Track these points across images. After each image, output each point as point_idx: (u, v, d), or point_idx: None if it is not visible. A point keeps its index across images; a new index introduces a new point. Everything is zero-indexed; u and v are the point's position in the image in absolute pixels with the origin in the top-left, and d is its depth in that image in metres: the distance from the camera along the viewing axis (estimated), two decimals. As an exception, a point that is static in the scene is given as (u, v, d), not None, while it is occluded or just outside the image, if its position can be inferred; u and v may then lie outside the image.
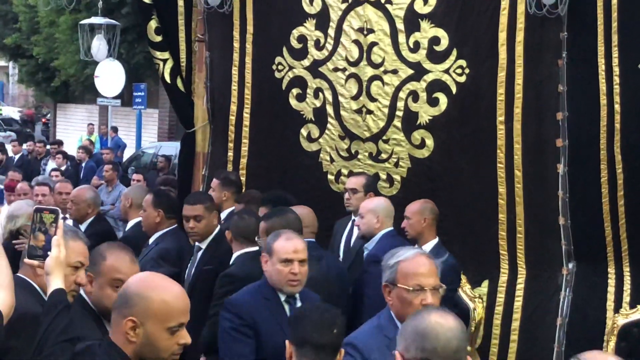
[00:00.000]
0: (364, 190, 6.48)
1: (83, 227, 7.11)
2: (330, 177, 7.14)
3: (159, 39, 7.87)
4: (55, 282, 3.29)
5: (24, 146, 19.36)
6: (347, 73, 7.02)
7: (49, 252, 3.36)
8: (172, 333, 2.99)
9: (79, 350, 3.10)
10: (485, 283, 6.59)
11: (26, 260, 3.46)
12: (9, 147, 19.86)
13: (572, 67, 6.15)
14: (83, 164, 16.67)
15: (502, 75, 6.41)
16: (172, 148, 18.27)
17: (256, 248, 5.40)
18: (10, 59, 32.84)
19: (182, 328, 3.03)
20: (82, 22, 10.31)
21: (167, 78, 7.88)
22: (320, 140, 7.20)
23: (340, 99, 7.06)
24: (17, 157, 17.91)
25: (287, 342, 3.58)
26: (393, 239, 5.87)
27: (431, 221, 6.15)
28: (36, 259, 3.44)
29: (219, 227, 6.20)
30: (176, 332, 3.00)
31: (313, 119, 7.22)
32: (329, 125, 7.14)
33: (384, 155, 6.91)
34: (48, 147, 18.89)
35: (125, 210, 7.19)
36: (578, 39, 6.14)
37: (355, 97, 6.99)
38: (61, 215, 3.51)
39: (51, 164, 16.90)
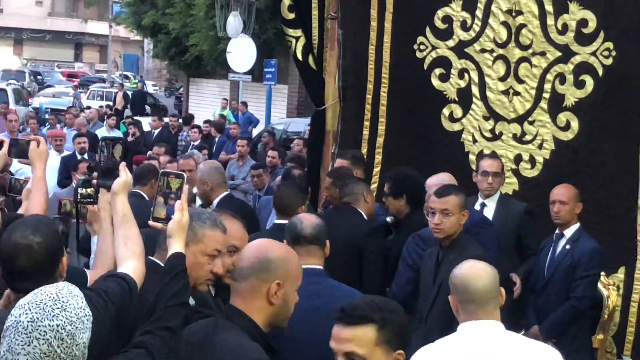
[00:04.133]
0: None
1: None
2: (472, 157, 7.17)
3: (292, 16, 7.95)
4: (176, 246, 3.28)
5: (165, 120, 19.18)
6: (494, 54, 7.03)
7: (172, 216, 3.34)
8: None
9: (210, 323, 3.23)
10: (622, 270, 6.45)
11: (150, 222, 3.46)
12: (145, 121, 20.26)
13: None
14: (216, 139, 16.83)
15: (647, 57, 6.32)
16: (301, 124, 18.27)
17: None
18: (147, 36, 33.55)
19: None
20: (219, -2, 10.37)
21: (299, 56, 7.96)
22: (463, 120, 7.24)
23: (487, 79, 7.08)
24: (156, 132, 17.76)
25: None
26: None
27: (580, 206, 6.18)
28: (160, 221, 3.43)
29: None
30: (296, 291, 3.30)
31: (456, 99, 7.27)
32: (473, 106, 7.18)
33: (528, 137, 6.92)
34: (180, 121, 18.91)
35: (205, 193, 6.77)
36: None
37: (502, 79, 7.01)
38: (186, 180, 3.47)
39: (187, 138, 17.13)
